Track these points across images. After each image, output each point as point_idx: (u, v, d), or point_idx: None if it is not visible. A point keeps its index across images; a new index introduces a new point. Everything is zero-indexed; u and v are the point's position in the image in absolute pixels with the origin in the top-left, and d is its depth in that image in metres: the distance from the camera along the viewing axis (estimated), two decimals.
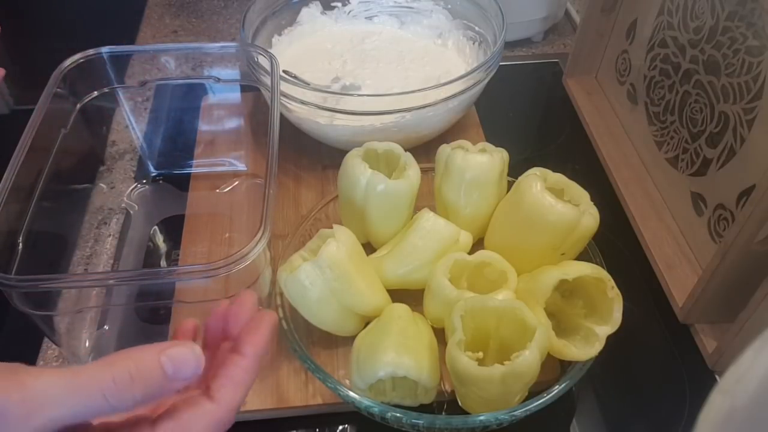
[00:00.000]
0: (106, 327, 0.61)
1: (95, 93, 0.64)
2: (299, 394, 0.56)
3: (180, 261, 0.66)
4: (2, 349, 0.66)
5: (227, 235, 0.68)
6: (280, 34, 0.84)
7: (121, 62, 0.66)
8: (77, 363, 0.60)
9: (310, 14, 0.86)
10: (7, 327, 0.66)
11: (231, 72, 0.68)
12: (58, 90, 0.58)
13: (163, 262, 0.68)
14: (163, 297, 0.56)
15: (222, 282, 0.50)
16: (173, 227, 0.69)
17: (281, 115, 0.66)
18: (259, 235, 0.48)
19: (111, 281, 0.50)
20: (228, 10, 1.06)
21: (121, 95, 0.68)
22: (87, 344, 0.60)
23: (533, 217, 0.55)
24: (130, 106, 0.72)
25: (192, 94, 0.78)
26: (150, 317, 0.63)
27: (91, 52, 0.61)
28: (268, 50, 0.64)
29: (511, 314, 0.49)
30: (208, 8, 1.06)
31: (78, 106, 0.62)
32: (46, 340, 0.62)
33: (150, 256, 0.69)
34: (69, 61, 0.60)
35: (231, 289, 0.51)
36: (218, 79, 0.67)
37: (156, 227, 0.71)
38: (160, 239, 0.70)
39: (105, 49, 0.62)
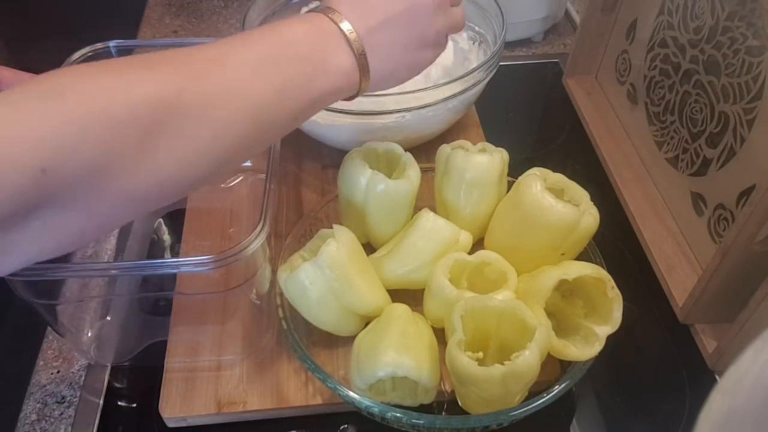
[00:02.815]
0: (108, 318, 0.62)
1: None
2: (299, 394, 0.56)
3: (182, 254, 0.66)
4: (2, 348, 0.66)
5: (231, 230, 0.68)
6: None
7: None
8: (80, 353, 0.61)
9: None
10: (7, 327, 0.66)
11: None
12: None
13: (167, 255, 0.68)
14: (165, 288, 0.56)
15: (222, 274, 0.51)
16: (178, 221, 0.69)
17: None
18: (258, 229, 0.48)
19: (113, 271, 0.51)
20: (228, 10, 1.06)
21: None
22: (90, 334, 0.60)
23: (533, 217, 0.55)
24: None
25: None
26: (152, 308, 0.63)
27: (99, 45, 0.62)
28: None
29: (511, 314, 0.49)
30: (208, 8, 1.06)
31: None
32: (46, 339, 0.62)
33: (154, 249, 0.69)
34: (77, 55, 0.60)
35: (231, 282, 0.52)
36: None
37: (161, 220, 0.72)
38: (164, 232, 0.71)
39: (113, 43, 0.62)
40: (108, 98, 0.33)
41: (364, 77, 0.47)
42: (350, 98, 0.49)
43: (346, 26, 0.45)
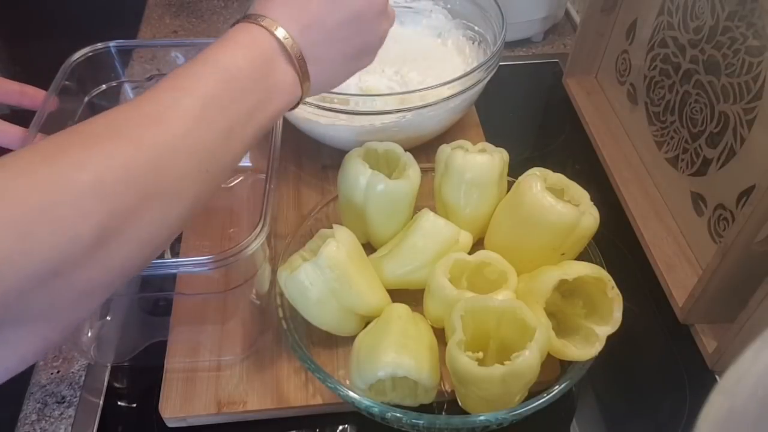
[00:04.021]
0: (108, 318, 0.62)
1: (103, 87, 0.64)
2: (299, 394, 0.56)
3: (181, 254, 0.66)
4: None
5: (232, 230, 0.68)
6: None
7: (128, 57, 0.66)
8: (79, 354, 0.61)
9: None
10: None
11: None
12: (66, 83, 0.58)
13: (167, 255, 0.68)
14: (165, 289, 0.56)
15: (222, 275, 0.51)
16: None
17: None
18: (258, 229, 0.48)
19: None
20: (228, 10, 1.06)
21: (129, 90, 0.68)
22: (89, 334, 0.60)
23: (533, 217, 0.55)
24: None
25: None
26: (152, 308, 0.63)
27: (99, 45, 0.62)
28: None
29: (511, 314, 0.49)
30: (208, 8, 1.06)
31: (86, 99, 0.62)
32: None
33: None
34: (77, 55, 0.60)
35: (230, 282, 0.52)
36: None
37: None
38: None
39: (113, 43, 0.62)
40: (47, 194, 0.30)
41: (305, 87, 0.45)
42: (291, 109, 0.47)
43: (281, 33, 0.42)
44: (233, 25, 0.43)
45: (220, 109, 0.38)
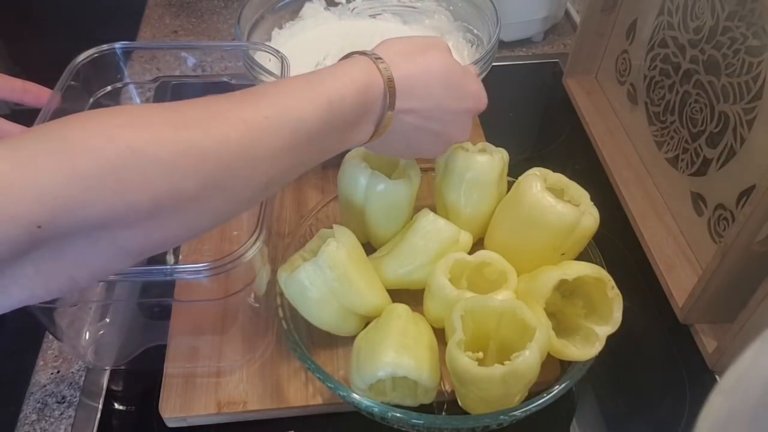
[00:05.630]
0: (107, 319, 0.62)
1: (108, 88, 0.64)
2: (299, 394, 0.56)
3: (182, 256, 0.66)
4: (2, 348, 0.66)
5: (235, 233, 0.68)
6: (281, 27, 0.84)
7: (132, 58, 0.66)
8: (76, 357, 0.60)
9: (314, 9, 0.86)
10: (7, 326, 0.66)
11: (237, 71, 0.67)
12: (72, 83, 0.58)
13: (170, 258, 0.68)
14: (165, 294, 0.56)
15: (221, 281, 0.50)
16: None
17: None
18: (255, 236, 0.48)
19: (110, 276, 0.50)
20: (228, 10, 1.06)
21: (134, 91, 0.68)
22: (87, 337, 0.60)
23: (533, 217, 0.55)
24: (142, 102, 0.72)
25: (196, 94, 0.78)
26: (150, 312, 0.63)
27: (105, 47, 0.61)
28: (279, 51, 0.63)
29: (511, 314, 0.49)
30: (208, 8, 1.06)
31: (91, 100, 0.62)
32: (46, 339, 0.62)
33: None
34: (83, 56, 0.60)
35: (230, 288, 0.51)
36: (230, 79, 0.69)
37: None
38: None
39: (119, 45, 0.62)
40: (122, 158, 0.32)
41: (370, 142, 0.48)
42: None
43: (387, 73, 0.45)
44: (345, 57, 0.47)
45: (308, 143, 0.41)
